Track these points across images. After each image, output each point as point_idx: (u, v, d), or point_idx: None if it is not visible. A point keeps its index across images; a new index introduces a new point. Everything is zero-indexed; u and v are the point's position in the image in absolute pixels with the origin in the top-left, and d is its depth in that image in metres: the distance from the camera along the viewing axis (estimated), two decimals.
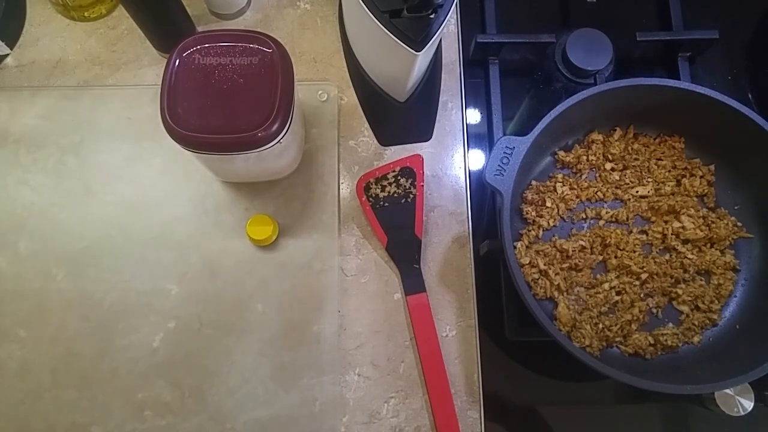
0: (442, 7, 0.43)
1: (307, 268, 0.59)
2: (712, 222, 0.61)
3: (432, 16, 0.44)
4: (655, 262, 0.59)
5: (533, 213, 0.61)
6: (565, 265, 0.59)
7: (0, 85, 0.63)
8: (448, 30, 0.68)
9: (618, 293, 0.59)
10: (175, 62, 0.47)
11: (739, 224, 0.61)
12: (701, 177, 0.62)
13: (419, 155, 0.61)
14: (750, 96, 0.70)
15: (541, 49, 0.69)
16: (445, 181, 0.63)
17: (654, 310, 0.59)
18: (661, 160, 0.63)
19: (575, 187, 0.62)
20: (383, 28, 0.44)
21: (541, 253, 0.59)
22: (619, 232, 0.60)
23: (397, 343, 0.58)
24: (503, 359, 0.60)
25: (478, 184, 0.64)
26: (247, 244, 0.59)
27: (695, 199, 0.62)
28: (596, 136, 0.63)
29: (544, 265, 0.58)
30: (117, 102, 0.62)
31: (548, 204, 0.61)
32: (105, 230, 0.59)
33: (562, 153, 0.63)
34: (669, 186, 0.62)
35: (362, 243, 0.61)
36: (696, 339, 0.58)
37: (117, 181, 0.60)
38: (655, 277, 0.59)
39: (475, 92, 0.68)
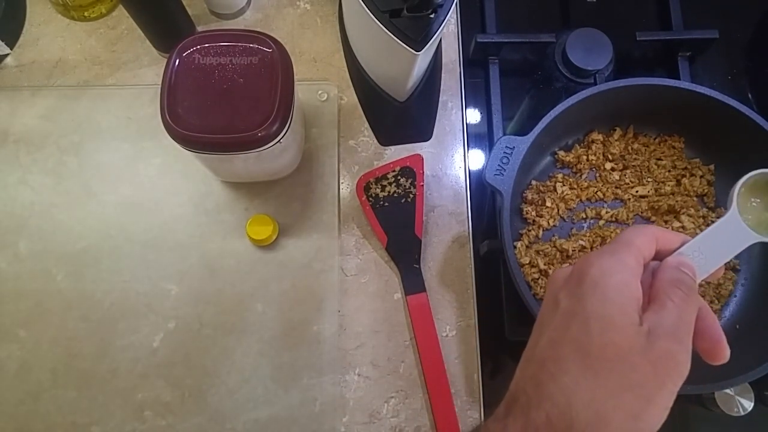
0: (442, 6, 0.43)
1: (307, 268, 0.59)
2: (712, 222, 0.61)
3: (432, 16, 0.44)
4: None
5: (533, 213, 0.61)
6: (565, 265, 0.59)
7: (0, 85, 0.63)
8: (448, 30, 0.68)
9: None
10: (175, 62, 0.47)
11: None
12: (701, 177, 0.62)
13: (419, 155, 0.61)
14: (750, 96, 0.70)
15: (541, 49, 0.69)
16: (445, 181, 0.63)
17: None
18: (661, 159, 0.63)
19: (575, 186, 0.62)
20: (383, 27, 0.44)
21: (541, 253, 0.59)
22: (619, 232, 0.60)
23: (397, 343, 0.58)
24: (503, 359, 0.60)
25: (478, 184, 0.64)
26: (247, 244, 0.59)
27: (695, 199, 0.62)
28: (596, 136, 0.63)
29: (544, 265, 0.58)
30: (117, 102, 0.62)
31: (548, 204, 0.61)
32: (105, 230, 0.59)
33: (562, 153, 0.63)
34: (669, 186, 0.62)
35: (362, 243, 0.61)
36: None
37: (117, 181, 0.60)
38: None
39: (475, 92, 0.68)
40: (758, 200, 0.35)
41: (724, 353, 0.31)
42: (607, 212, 0.61)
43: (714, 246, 0.33)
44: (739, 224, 0.34)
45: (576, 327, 0.29)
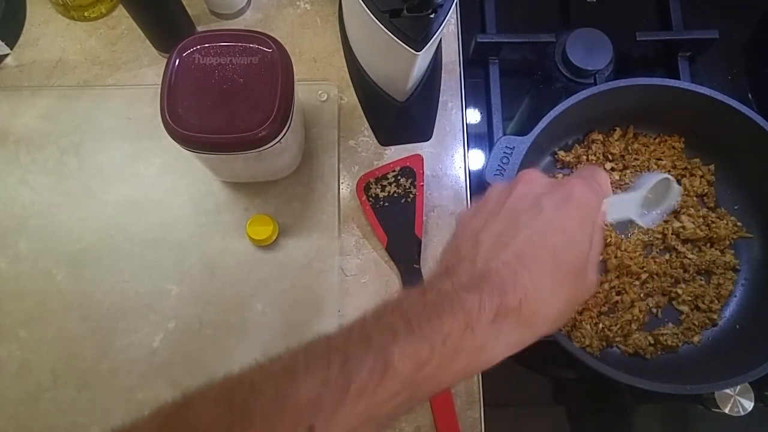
0: (442, 7, 0.44)
1: (307, 268, 0.59)
2: (712, 222, 0.61)
3: (432, 16, 0.44)
4: (655, 262, 0.59)
5: None
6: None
7: (0, 85, 0.63)
8: (448, 30, 0.68)
9: (618, 293, 0.59)
10: (175, 62, 0.47)
11: (739, 224, 0.61)
12: (701, 177, 0.62)
13: (419, 155, 0.61)
14: (750, 96, 0.70)
15: (541, 49, 0.69)
16: (445, 181, 0.63)
17: (654, 310, 0.59)
18: (661, 160, 0.63)
19: None
20: (383, 28, 0.44)
21: None
22: (616, 235, 0.60)
23: None
24: (503, 359, 0.60)
25: (478, 184, 0.64)
26: (247, 244, 0.59)
27: (695, 199, 0.62)
28: (596, 136, 0.63)
29: None
30: (117, 102, 0.62)
31: None
32: (105, 230, 0.59)
33: (562, 153, 0.63)
34: None
35: (362, 243, 0.60)
36: (696, 339, 0.58)
37: (117, 181, 0.60)
38: (655, 277, 0.59)
39: (475, 92, 0.68)
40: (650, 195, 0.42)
41: None
42: None
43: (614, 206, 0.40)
44: (636, 204, 0.41)
45: (556, 239, 0.34)
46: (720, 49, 0.70)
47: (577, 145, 0.63)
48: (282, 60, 0.48)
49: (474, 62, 0.68)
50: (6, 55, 0.64)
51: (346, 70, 0.64)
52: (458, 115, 0.65)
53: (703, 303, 0.59)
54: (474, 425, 0.56)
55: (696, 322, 0.58)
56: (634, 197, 0.41)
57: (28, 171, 0.60)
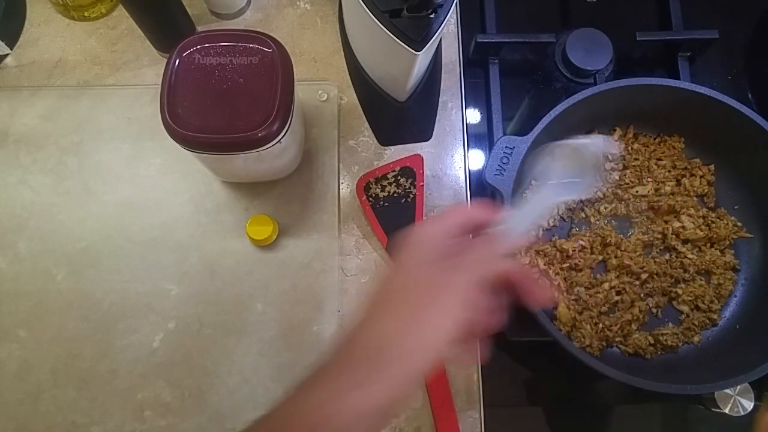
0: (442, 7, 0.44)
1: (307, 268, 0.59)
2: (712, 222, 0.61)
3: (432, 16, 0.44)
4: (655, 261, 0.59)
5: None
6: (565, 265, 0.59)
7: (0, 85, 0.63)
8: (448, 30, 0.68)
9: (618, 293, 0.59)
10: (175, 62, 0.47)
11: (739, 224, 0.61)
12: (701, 177, 0.62)
13: (419, 155, 0.61)
14: (750, 96, 0.70)
15: (541, 49, 0.69)
16: (445, 181, 0.63)
17: (654, 310, 0.59)
18: (661, 159, 0.63)
19: None
20: (383, 28, 0.44)
21: (541, 253, 0.59)
22: (615, 233, 0.60)
23: None
24: (503, 359, 0.60)
25: (478, 184, 0.64)
26: (247, 244, 0.59)
27: (695, 198, 0.62)
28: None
29: (544, 265, 0.58)
30: (117, 102, 0.62)
31: None
32: (105, 230, 0.59)
33: None
34: (669, 186, 0.62)
35: (362, 243, 0.61)
36: (696, 339, 0.58)
37: (117, 181, 0.60)
38: (655, 276, 0.59)
39: (475, 92, 0.68)
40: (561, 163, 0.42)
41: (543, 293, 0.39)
42: (605, 208, 0.61)
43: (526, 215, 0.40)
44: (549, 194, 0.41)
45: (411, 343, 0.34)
46: (720, 49, 0.70)
47: None
48: (282, 60, 0.48)
49: (474, 62, 0.68)
50: (6, 55, 0.64)
51: (346, 70, 0.64)
52: (458, 115, 0.65)
53: (703, 303, 0.59)
54: (474, 425, 0.56)
55: (696, 322, 0.58)
56: (543, 195, 0.41)
57: (28, 171, 0.60)
